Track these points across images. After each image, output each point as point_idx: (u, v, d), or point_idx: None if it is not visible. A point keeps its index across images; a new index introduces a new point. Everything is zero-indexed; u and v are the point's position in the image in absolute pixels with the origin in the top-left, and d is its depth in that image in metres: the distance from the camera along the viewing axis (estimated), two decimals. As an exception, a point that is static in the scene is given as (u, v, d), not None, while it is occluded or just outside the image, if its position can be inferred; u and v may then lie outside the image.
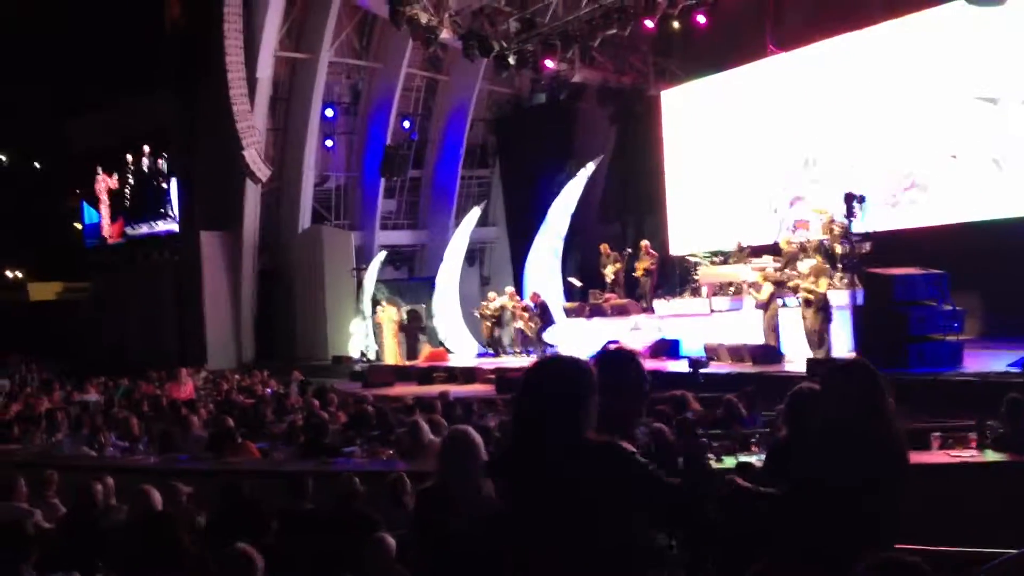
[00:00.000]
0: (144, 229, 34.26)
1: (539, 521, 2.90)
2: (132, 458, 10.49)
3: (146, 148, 33.68)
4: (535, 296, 21.48)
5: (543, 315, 21.05)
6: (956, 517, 6.03)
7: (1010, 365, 11.84)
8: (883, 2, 18.36)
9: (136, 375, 20.95)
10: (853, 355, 13.80)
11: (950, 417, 9.18)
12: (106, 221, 36.30)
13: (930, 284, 13.29)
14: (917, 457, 7.00)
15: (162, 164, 33.08)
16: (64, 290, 37.50)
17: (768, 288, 15.96)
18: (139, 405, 15.50)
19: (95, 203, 36.54)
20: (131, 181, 34.65)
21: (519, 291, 22.88)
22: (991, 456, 6.93)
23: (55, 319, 34.81)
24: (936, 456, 7.13)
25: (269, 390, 18.30)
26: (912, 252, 14.85)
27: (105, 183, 36.00)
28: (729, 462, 6.75)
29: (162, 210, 33.09)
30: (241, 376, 21.59)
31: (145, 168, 33.88)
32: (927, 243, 16.26)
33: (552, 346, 20.70)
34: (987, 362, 12.81)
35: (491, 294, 23.22)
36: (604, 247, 21.43)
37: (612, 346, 3.69)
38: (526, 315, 21.34)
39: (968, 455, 6.93)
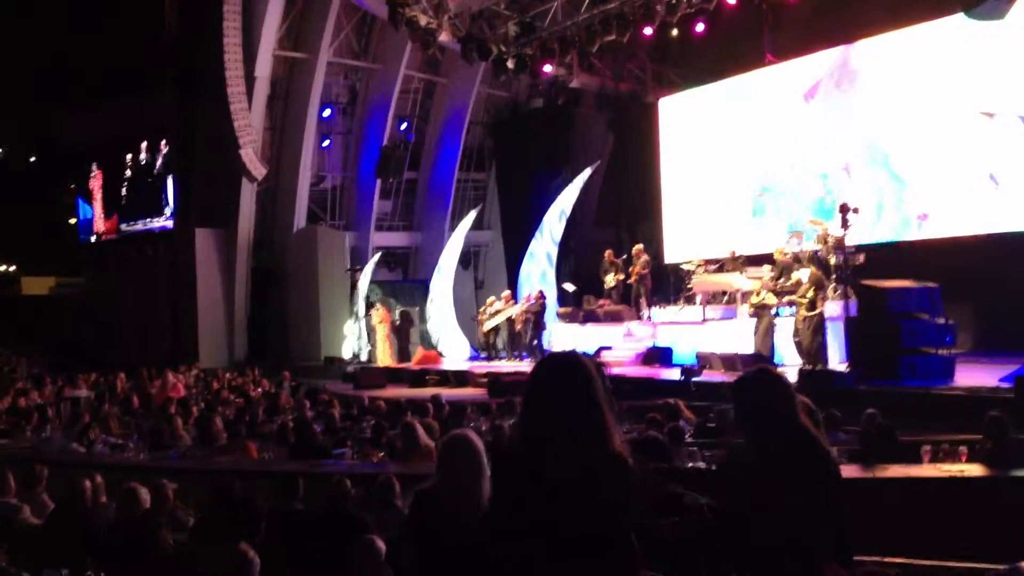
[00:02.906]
0: (139, 225, 34.22)
1: (535, 521, 2.89)
2: (122, 455, 10.47)
3: (143, 145, 33.67)
4: (540, 295, 21.44)
5: (540, 317, 21.08)
6: (945, 530, 6.05)
7: (1001, 380, 11.86)
8: (882, 14, 18.39)
9: (129, 372, 20.89)
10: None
11: (941, 431, 9.20)
12: (100, 216, 36.26)
13: (923, 297, 13.31)
14: (907, 470, 7.06)
15: (159, 161, 33.06)
16: (57, 285, 37.39)
17: (765, 297, 15.98)
18: (129, 402, 15.46)
19: (89, 198, 36.51)
20: (127, 177, 34.63)
21: (514, 295, 22.88)
22: (980, 471, 6.94)
23: (48, 314, 34.70)
24: (925, 470, 7.14)
25: (260, 389, 18.26)
26: (906, 265, 14.89)
27: (100, 179, 35.98)
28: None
29: (158, 206, 33.07)
30: (233, 375, 21.53)
31: (142, 164, 33.85)
32: (921, 256, 16.30)
33: (548, 351, 20.70)
34: (979, 376, 12.83)
35: (491, 298, 23.17)
36: (608, 254, 21.38)
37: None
38: (524, 316, 21.24)
39: (958, 469, 6.94)
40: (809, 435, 3.66)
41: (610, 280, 21.05)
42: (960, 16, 14.68)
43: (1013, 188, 16.07)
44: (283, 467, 8.56)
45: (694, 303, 19.32)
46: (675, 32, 20.29)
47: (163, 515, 6.16)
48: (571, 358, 3.14)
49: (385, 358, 23.37)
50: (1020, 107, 15.95)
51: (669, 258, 22.62)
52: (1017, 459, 6.99)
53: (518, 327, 21.47)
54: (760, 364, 13.34)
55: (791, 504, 3.49)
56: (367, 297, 25.01)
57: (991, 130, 16.34)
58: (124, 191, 35.01)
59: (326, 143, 28.35)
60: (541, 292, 21.62)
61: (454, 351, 24.38)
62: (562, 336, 21.23)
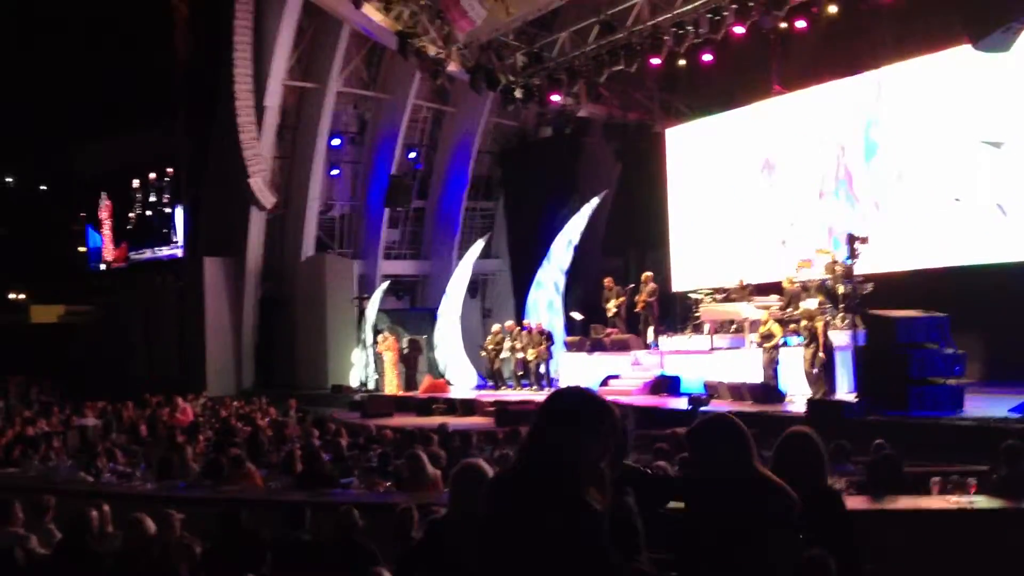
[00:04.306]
0: (148, 254, 34.41)
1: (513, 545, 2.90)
2: (129, 485, 10.45)
3: (152, 175, 33.89)
4: (539, 326, 21.54)
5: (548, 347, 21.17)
6: (955, 563, 6.01)
7: (1011, 411, 11.81)
8: (889, 45, 18.44)
9: (137, 400, 20.91)
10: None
11: (950, 462, 9.15)
12: (109, 245, 36.44)
13: (932, 327, 13.25)
14: (916, 502, 7.01)
15: (167, 190, 33.27)
16: (66, 313, 37.45)
17: (773, 327, 15.93)
18: (136, 431, 15.46)
19: (98, 227, 36.72)
20: (136, 206, 34.85)
21: (519, 324, 22.88)
22: (991, 503, 6.89)
23: (56, 342, 34.73)
24: (935, 502, 7.09)
25: (267, 418, 18.25)
26: (914, 294, 14.85)
27: (109, 207, 36.21)
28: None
29: (166, 235, 33.23)
30: (240, 403, 21.53)
31: (151, 193, 34.07)
32: (929, 285, 16.26)
33: (555, 380, 20.68)
34: (988, 406, 12.77)
35: (495, 327, 23.19)
36: (608, 281, 21.42)
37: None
38: (542, 345, 21.22)
39: (967, 501, 6.89)
40: (761, 476, 3.64)
41: (611, 307, 20.97)
42: (965, 47, 14.69)
43: (1021, 217, 16.06)
44: (290, 497, 8.54)
45: (702, 332, 19.28)
46: (683, 62, 20.35)
47: (170, 545, 6.15)
48: (570, 396, 3.13)
49: (392, 386, 23.34)
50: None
51: (677, 286, 22.61)
52: (1028, 489, 6.93)
53: (530, 358, 21.40)
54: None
55: (745, 546, 3.47)
56: (374, 325, 25.02)
57: (998, 160, 16.36)
58: (133, 219, 35.20)
59: (335, 172, 28.48)
60: (540, 324, 21.78)
61: (461, 380, 24.36)
62: (570, 365, 21.20)
